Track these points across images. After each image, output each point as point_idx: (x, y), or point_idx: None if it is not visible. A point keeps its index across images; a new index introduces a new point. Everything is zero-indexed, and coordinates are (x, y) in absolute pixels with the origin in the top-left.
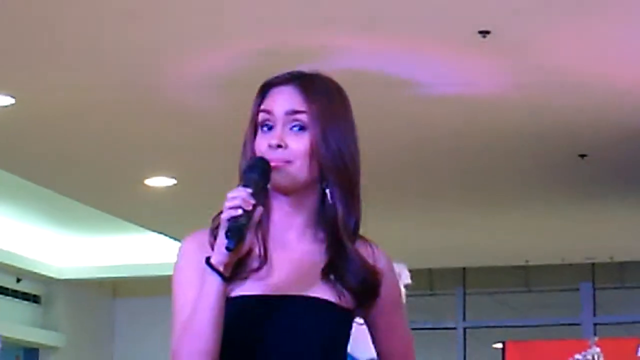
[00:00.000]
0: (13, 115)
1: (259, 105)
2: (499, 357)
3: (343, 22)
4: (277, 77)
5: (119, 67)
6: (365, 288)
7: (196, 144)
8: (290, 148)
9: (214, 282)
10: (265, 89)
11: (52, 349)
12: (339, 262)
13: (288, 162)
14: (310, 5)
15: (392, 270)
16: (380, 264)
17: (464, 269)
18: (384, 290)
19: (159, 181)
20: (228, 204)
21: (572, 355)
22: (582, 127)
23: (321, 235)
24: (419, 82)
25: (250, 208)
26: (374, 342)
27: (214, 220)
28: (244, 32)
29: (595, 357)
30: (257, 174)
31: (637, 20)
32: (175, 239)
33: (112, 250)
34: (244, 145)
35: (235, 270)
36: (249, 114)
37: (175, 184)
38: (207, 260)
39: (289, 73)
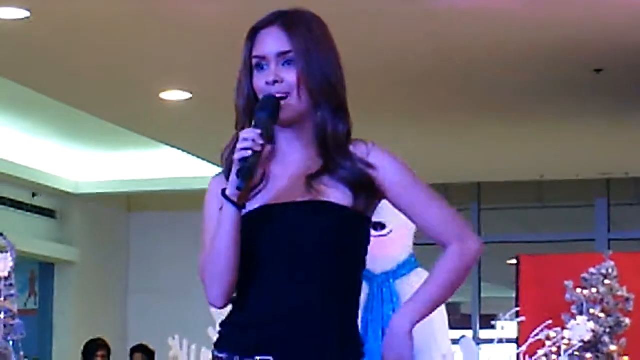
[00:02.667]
0: (29, 28)
1: (251, 49)
2: (514, 272)
3: None
4: (261, 21)
5: None
6: (358, 180)
7: (212, 58)
8: (286, 81)
9: (229, 211)
10: (253, 34)
11: (67, 263)
12: (331, 165)
13: (287, 93)
14: None
15: (392, 159)
16: (373, 157)
17: (478, 184)
18: (388, 178)
19: (175, 95)
20: (240, 145)
21: (586, 269)
22: (598, 41)
23: (318, 150)
24: None
25: (259, 149)
26: (411, 221)
27: (226, 150)
28: None
29: (610, 270)
30: (267, 112)
31: None
32: (190, 154)
33: (127, 164)
34: (239, 83)
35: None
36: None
37: (190, 98)
38: (223, 192)
39: (271, 14)
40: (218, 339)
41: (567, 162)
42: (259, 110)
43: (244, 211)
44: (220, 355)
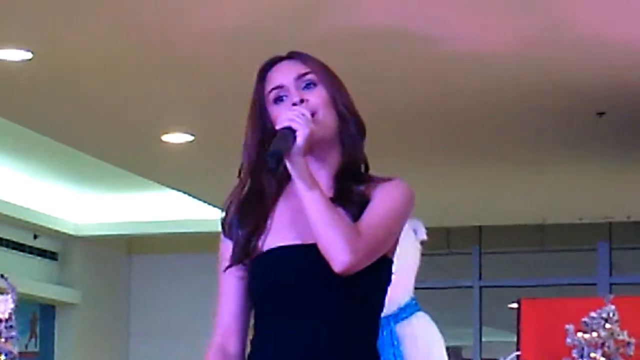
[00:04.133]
0: (31, 70)
1: (262, 89)
2: (515, 316)
3: None
4: (270, 60)
5: (135, 21)
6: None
7: (214, 100)
8: (311, 101)
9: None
10: (263, 73)
11: (68, 305)
12: (342, 199)
13: (313, 113)
14: None
15: (387, 183)
16: (373, 188)
17: (480, 227)
18: (373, 196)
19: (177, 137)
20: (291, 117)
21: (587, 313)
22: (601, 84)
23: (335, 178)
24: (435, 38)
25: (305, 130)
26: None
27: (228, 199)
28: None
29: (611, 314)
30: (283, 140)
31: None
32: (192, 196)
33: (128, 207)
34: (246, 137)
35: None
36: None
37: (192, 140)
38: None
39: (277, 55)
40: None
41: (569, 206)
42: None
43: (258, 251)
44: None
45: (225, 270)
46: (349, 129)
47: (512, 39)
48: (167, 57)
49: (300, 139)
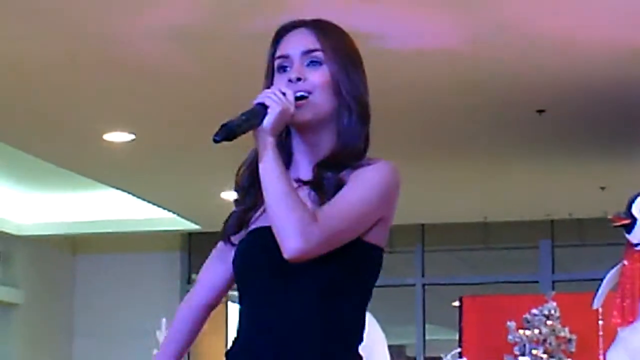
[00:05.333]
0: None
1: (273, 54)
2: (457, 313)
3: None
4: (287, 24)
5: (75, 19)
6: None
7: (155, 99)
8: (310, 80)
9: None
10: (277, 37)
11: (11, 305)
12: (317, 184)
13: (308, 92)
14: None
15: (364, 168)
16: (351, 173)
17: (423, 225)
18: (347, 181)
19: (118, 136)
20: (265, 95)
21: (529, 311)
22: (540, 82)
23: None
24: (380, 34)
25: (279, 108)
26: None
27: (241, 167)
28: None
29: (552, 311)
30: (246, 116)
31: None
32: (134, 195)
33: (72, 206)
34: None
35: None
36: (208, 66)
37: (133, 139)
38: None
39: (298, 19)
40: None
41: (511, 204)
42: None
43: (242, 234)
44: None
45: (220, 240)
46: (349, 117)
47: (454, 38)
48: (108, 56)
49: (269, 118)
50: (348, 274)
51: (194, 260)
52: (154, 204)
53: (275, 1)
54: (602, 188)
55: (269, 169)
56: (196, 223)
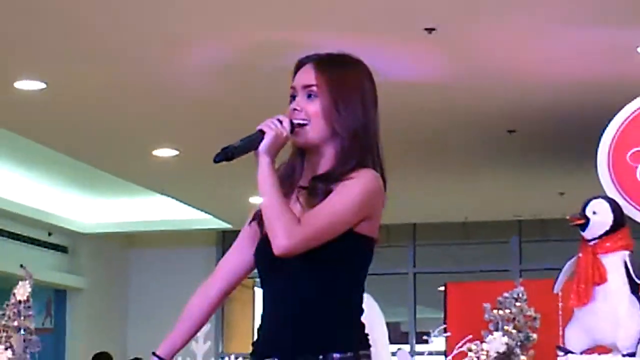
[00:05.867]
0: (46, 98)
1: (293, 79)
2: (442, 297)
3: (317, 21)
4: (301, 58)
5: (137, 56)
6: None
7: (197, 122)
8: (305, 111)
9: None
10: (295, 69)
11: (77, 290)
12: (310, 192)
13: (305, 121)
14: (290, 7)
15: (348, 179)
16: (339, 184)
17: (414, 224)
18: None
19: (165, 152)
20: (266, 123)
21: (501, 294)
22: (511, 107)
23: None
24: (377, 69)
25: (272, 133)
26: None
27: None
28: (235, 28)
29: (520, 295)
30: (244, 141)
31: (551, 19)
32: (178, 200)
33: (127, 209)
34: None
35: None
36: (244, 95)
37: (178, 154)
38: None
39: (310, 55)
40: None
41: (486, 207)
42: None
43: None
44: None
45: (247, 225)
46: (341, 144)
47: (438, 71)
48: (162, 87)
49: (265, 142)
50: (343, 259)
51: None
52: (193, 207)
53: (303, 40)
54: (562, 194)
55: (263, 183)
56: (228, 223)
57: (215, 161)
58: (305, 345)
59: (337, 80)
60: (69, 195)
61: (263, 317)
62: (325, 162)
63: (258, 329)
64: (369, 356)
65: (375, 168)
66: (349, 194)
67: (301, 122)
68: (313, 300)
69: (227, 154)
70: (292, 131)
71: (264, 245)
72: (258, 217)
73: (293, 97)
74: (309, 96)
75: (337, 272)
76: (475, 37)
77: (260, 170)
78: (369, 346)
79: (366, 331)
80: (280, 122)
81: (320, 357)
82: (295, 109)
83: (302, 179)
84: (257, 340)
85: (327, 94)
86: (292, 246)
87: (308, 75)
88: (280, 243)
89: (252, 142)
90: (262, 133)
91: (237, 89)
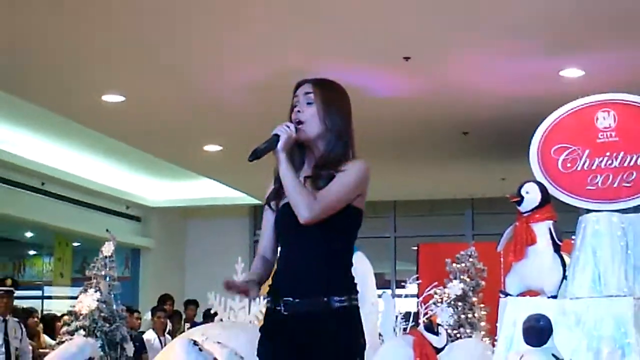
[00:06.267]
0: (125, 107)
1: (293, 96)
2: (416, 254)
3: (322, 53)
4: (300, 81)
5: (187, 73)
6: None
7: (236, 125)
8: (304, 113)
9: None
10: (295, 88)
11: (147, 249)
12: (318, 173)
13: (301, 122)
14: (301, 46)
15: (353, 165)
16: (340, 171)
17: (395, 201)
18: (337, 175)
19: (212, 147)
20: (279, 128)
21: (459, 252)
22: (465, 115)
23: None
24: (365, 89)
25: (285, 136)
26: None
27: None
28: (266, 59)
29: (473, 252)
30: (267, 143)
31: (497, 52)
32: (221, 182)
33: (184, 189)
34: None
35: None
36: (274, 109)
37: (222, 149)
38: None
39: (308, 78)
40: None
41: (448, 188)
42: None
43: (280, 203)
44: (266, 299)
45: (264, 207)
46: (329, 139)
47: (411, 89)
48: (207, 99)
49: (280, 143)
50: (341, 225)
51: (257, 223)
52: (232, 187)
53: (311, 67)
54: (503, 179)
55: (285, 173)
56: (257, 199)
57: (250, 160)
58: (313, 290)
59: (327, 94)
60: (142, 179)
61: (280, 269)
62: (319, 153)
63: (274, 277)
64: (357, 299)
65: (353, 156)
66: (350, 177)
67: (300, 120)
68: (320, 256)
69: (256, 154)
70: (296, 131)
71: (282, 216)
72: (271, 199)
73: (295, 105)
74: (308, 103)
75: (338, 235)
76: (442, 65)
77: (281, 164)
78: (357, 292)
79: (355, 281)
80: (288, 126)
81: (325, 299)
82: (298, 111)
83: (303, 169)
84: (274, 285)
85: (320, 102)
86: (313, 216)
87: (307, 89)
88: (304, 214)
89: (271, 144)
90: (277, 136)
91: (267, 101)
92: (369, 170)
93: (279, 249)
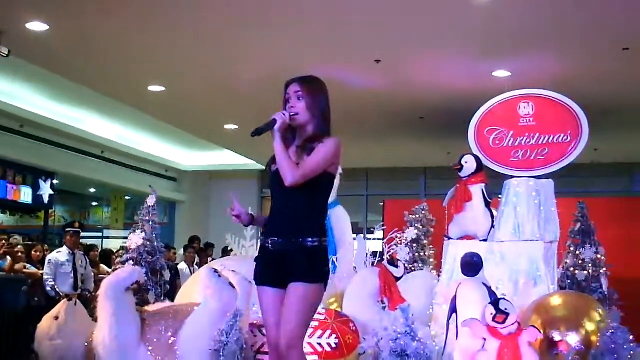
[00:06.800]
0: (166, 95)
1: (285, 92)
2: (382, 208)
3: (310, 56)
4: (290, 80)
5: (218, 68)
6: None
7: (249, 109)
8: (297, 106)
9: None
10: (286, 85)
11: (181, 202)
12: (306, 146)
13: (297, 113)
14: (296, 50)
15: (325, 141)
16: (318, 144)
17: (367, 168)
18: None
19: (231, 126)
20: (277, 115)
21: (414, 207)
22: (421, 104)
23: (306, 139)
24: (344, 83)
25: (281, 121)
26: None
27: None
28: (271, 58)
29: (425, 207)
30: (267, 124)
31: (443, 53)
32: (238, 153)
33: (209, 157)
34: (283, 109)
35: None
36: (274, 95)
37: (238, 128)
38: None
39: (296, 77)
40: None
41: (407, 160)
42: (272, 122)
43: (273, 168)
44: (261, 238)
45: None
46: (317, 121)
47: (380, 84)
48: (230, 88)
49: (277, 125)
50: (317, 186)
51: (263, 184)
52: (245, 157)
53: (303, 66)
54: (449, 153)
55: (277, 147)
56: (264, 165)
57: (252, 136)
58: (293, 233)
59: (312, 90)
60: (178, 150)
61: (271, 216)
62: (309, 131)
63: (265, 224)
64: (326, 242)
65: (329, 133)
66: (325, 150)
67: (294, 113)
68: (301, 208)
69: (258, 132)
70: (290, 118)
71: (274, 177)
72: (269, 164)
73: (287, 101)
74: (299, 98)
75: (314, 194)
76: (406, 65)
77: (275, 141)
78: (326, 236)
79: (326, 228)
80: (284, 113)
81: (300, 239)
82: (292, 106)
83: (295, 143)
84: (266, 227)
85: (308, 97)
86: (295, 181)
87: (297, 88)
88: (288, 179)
89: (269, 125)
90: (274, 120)
91: (272, 91)
92: (340, 144)
93: (271, 201)
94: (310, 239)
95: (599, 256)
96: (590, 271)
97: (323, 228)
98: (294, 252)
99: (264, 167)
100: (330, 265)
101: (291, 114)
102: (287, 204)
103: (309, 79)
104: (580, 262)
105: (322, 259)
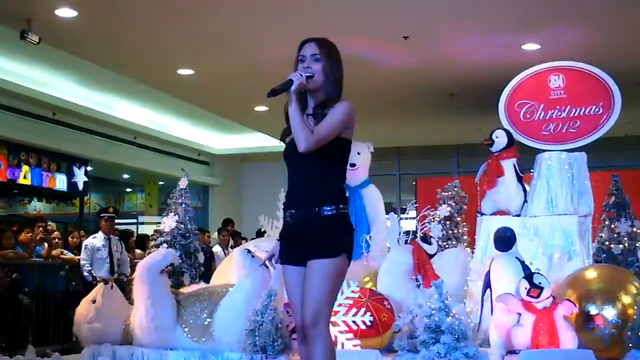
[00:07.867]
0: (195, 79)
1: (299, 52)
2: (415, 187)
3: (332, 29)
4: (306, 39)
5: (246, 50)
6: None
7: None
8: (313, 68)
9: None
10: (300, 45)
11: (214, 186)
12: (319, 111)
13: (312, 75)
14: (317, 25)
15: (339, 104)
16: (331, 109)
17: (399, 147)
18: (328, 113)
19: (262, 108)
20: (293, 75)
21: (447, 184)
22: (452, 80)
23: (320, 103)
24: (373, 61)
25: (297, 82)
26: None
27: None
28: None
29: (457, 184)
30: (284, 84)
31: (474, 28)
32: (269, 135)
33: (241, 140)
34: (294, 70)
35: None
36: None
37: (268, 109)
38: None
39: (312, 37)
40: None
41: (440, 138)
42: (288, 82)
43: (287, 139)
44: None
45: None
46: (330, 86)
47: (409, 61)
48: (258, 69)
49: (294, 86)
50: (332, 152)
51: None
52: (277, 138)
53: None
54: (479, 129)
55: (292, 110)
56: None
57: (267, 96)
58: (309, 202)
59: (329, 52)
60: (210, 133)
61: (288, 189)
62: (320, 97)
63: (285, 195)
64: (345, 208)
65: (339, 98)
66: (338, 114)
67: (310, 74)
68: (316, 176)
69: (273, 92)
70: (306, 80)
71: (290, 145)
72: (284, 135)
73: (302, 61)
74: (315, 60)
75: (330, 161)
76: (434, 41)
77: (291, 103)
78: (346, 202)
79: (346, 195)
80: (301, 74)
81: (317, 209)
82: (307, 67)
83: (307, 109)
84: (284, 203)
85: (325, 59)
86: (309, 146)
87: (314, 48)
88: (302, 145)
89: (286, 86)
90: (291, 81)
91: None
92: (352, 107)
93: (288, 174)
94: (327, 207)
95: (634, 229)
96: (626, 245)
97: (341, 195)
98: (310, 224)
99: None
100: (357, 237)
101: (307, 74)
102: (302, 172)
103: (327, 42)
104: (615, 235)
105: (341, 228)
